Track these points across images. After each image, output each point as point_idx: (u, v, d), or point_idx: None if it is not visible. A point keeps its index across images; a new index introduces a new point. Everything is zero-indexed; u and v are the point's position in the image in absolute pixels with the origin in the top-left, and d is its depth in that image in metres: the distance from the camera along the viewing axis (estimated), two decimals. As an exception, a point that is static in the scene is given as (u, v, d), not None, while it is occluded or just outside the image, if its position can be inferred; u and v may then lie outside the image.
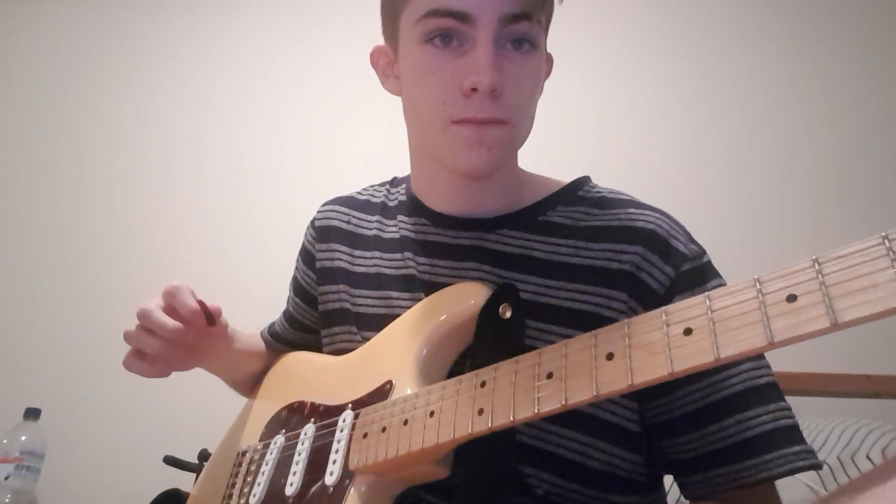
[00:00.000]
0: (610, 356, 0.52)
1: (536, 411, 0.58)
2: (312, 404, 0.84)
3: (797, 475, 0.84)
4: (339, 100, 2.13)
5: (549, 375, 0.58)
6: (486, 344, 0.72)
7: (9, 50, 2.21)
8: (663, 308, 0.49)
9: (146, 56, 2.21)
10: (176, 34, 2.23)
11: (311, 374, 0.93)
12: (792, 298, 0.38)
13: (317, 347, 1.00)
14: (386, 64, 0.85)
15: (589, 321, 0.74)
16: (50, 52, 2.22)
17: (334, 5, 2.20)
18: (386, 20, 0.83)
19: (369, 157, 1.92)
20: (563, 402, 0.55)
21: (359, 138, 2.08)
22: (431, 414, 0.66)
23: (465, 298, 0.76)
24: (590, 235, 0.79)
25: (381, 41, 0.86)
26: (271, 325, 1.08)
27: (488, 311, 0.73)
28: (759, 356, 0.74)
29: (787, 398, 0.73)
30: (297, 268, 1.03)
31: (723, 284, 0.76)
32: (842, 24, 1.93)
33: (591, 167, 0.94)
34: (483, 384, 0.64)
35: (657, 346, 0.47)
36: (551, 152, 1.35)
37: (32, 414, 1.74)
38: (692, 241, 0.80)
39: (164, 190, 2.07)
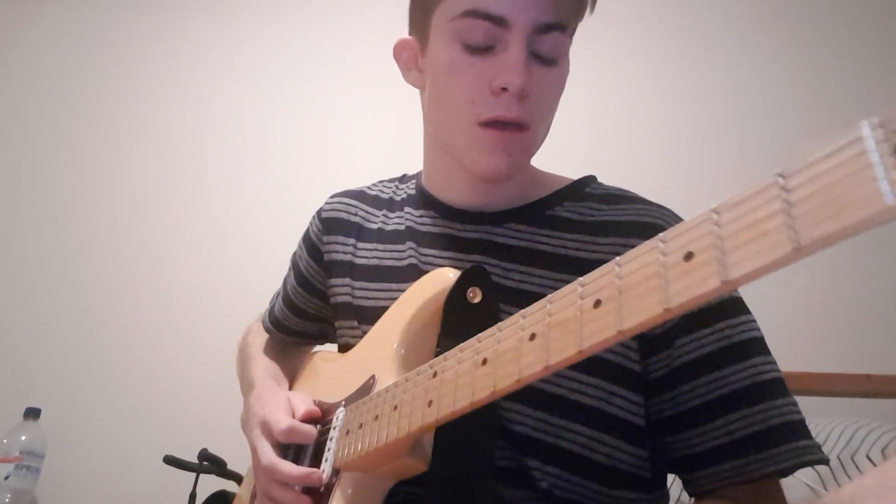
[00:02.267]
0: (532, 337, 0.49)
1: (472, 400, 0.56)
2: (320, 403, 0.84)
3: (797, 475, 0.80)
4: (339, 99, 2.13)
5: (485, 362, 0.56)
6: (453, 331, 0.72)
7: (9, 50, 2.24)
8: (580, 279, 0.46)
9: (147, 55, 2.23)
10: (176, 32, 2.24)
11: (321, 374, 0.94)
12: (689, 256, 0.33)
13: (318, 335, 1.03)
14: (409, 57, 0.86)
15: None
16: (50, 53, 2.24)
17: (334, 5, 2.20)
18: (416, 13, 0.84)
19: (370, 156, 1.90)
20: (493, 389, 0.53)
21: (359, 138, 2.07)
22: (395, 408, 0.66)
23: (434, 285, 0.76)
24: (597, 230, 0.79)
25: (380, 40, 0.90)
26: (271, 312, 1.07)
27: (455, 297, 0.73)
28: (766, 352, 0.73)
29: (788, 398, 0.73)
30: (299, 256, 1.02)
31: None
32: (841, 24, 1.90)
33: (589, 169, 0.92)
34: (434, 374, 0.63)
35: (571, 324, 0.43)
36: (551, 153, 1.33)
37: (32, 414, 1.74)
38: None
39: (165, 190, 2.07)
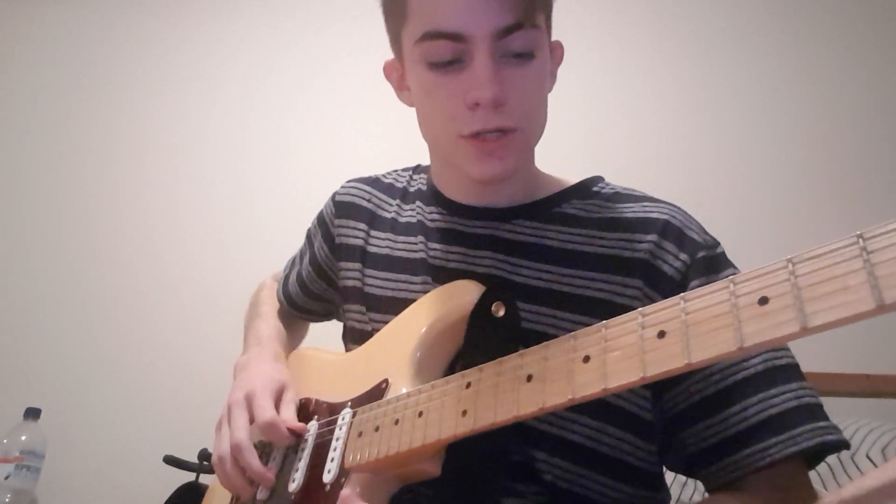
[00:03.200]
0: (587, 359, 0.51)
1: (516, 414, 0.57)
2: (317, 401, 0.84)
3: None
4: (341, 99, 2.12)
5: (530, 378, 0.58)
6: (476, 344, 0.72)
7: (10, 50, 2.21)
8: (640, 309, 0.48)
9: (148, 55, 2.21)
10: (178, 32, 2.22)
11: (319, 372, 0.93)
12: (764, 301, 0.37)
13: (324, 313, 1.05)
14: (398, 77, 0.87)
15: (602, 308, 0.75)
16: (52, 53, 2.22)
17: (336, 7, 2.19)
18: (391, 36, 0.85)
19: (372, 156, 1.91)
20: (542, 406, 0.55)
21: (361, 137, 2.07)
22: (420, 414, 0.66)
23: (458, 297, 0.76)
24: (604, 226, 0.80)
25: (381, 40, 0.88)
26: (285, 286, 1.08)
27: (480, 310, 0.73)
28: None
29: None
30: (314, 234, 1.03)
31: None
32: (837, 23, 1.93)
33: (587, 168, 0.93)
34: (468, 385, 0.64)
35: (632, 350, 0.45)
36: (548, 153, 1.34)
37: (32, 414, 1.74)
38: (706, 232, 0.81)
39: (166, 190, 2.06)
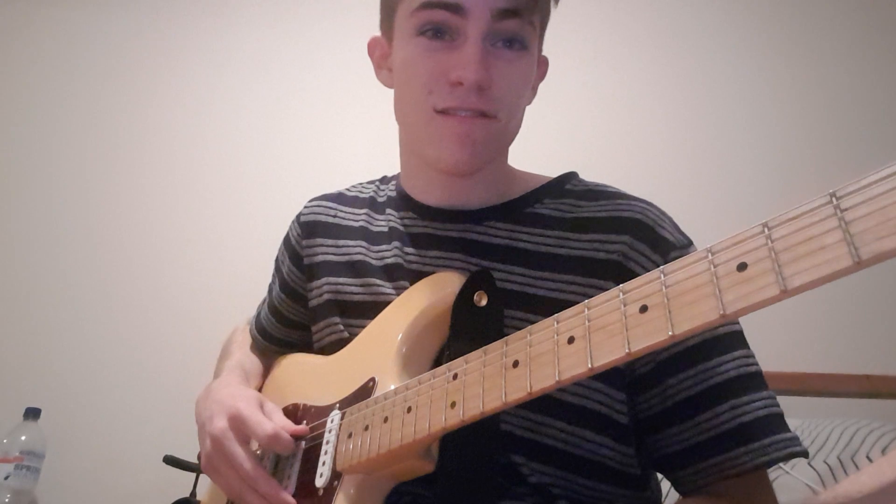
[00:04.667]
0: (571, 340, 0.50)
1: (504, 401, 0.57)
2: (305, 406, 0.83)
3: (797, 476, 0.81)
4: (334, 99, 2.13)
5: (516, 364, 0.57)
6: (461, 334, 0.72)
7: (8, 50, 2.23)
8: (620, 286, 0.47)
9: (142, 56, 2.22)
10: (172, 34, 2.24)
11: (304, 376, 0.92)
12: (742, 267, 0.36)
13: (302, 344, 1.00)
14: (381, 55, 0.87)
15: None
16: (49, 53, 2.23)
17: (326, 8, 2.21)
18: (383, 13, 0.85)
19: (360, 156, 1.91)
20: (529, 391, 0.54)
21: (350, 138, 2.08)
22: (409, 410, 0.66)
23: (440, 289, 0.76)
24: (577, 226, 0.79)
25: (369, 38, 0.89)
26: (258, 320, 1.06)
27: (462, 300, 0.73)
28: (747, 345, 0.75)
29: (788, 398, 0.75)
30: (281, 261, 1.01)
31: None
32: (830, 18, 1.94)
33: (577, 165, 0.93)
34: (455, 377, 0.64)
35: (615, 327, 0.45)
36: (538, 150, 1.34)
37: (32, 414, 1.74)
38: (679, 230, 0.80)
39: (164, 190, 2.07)
